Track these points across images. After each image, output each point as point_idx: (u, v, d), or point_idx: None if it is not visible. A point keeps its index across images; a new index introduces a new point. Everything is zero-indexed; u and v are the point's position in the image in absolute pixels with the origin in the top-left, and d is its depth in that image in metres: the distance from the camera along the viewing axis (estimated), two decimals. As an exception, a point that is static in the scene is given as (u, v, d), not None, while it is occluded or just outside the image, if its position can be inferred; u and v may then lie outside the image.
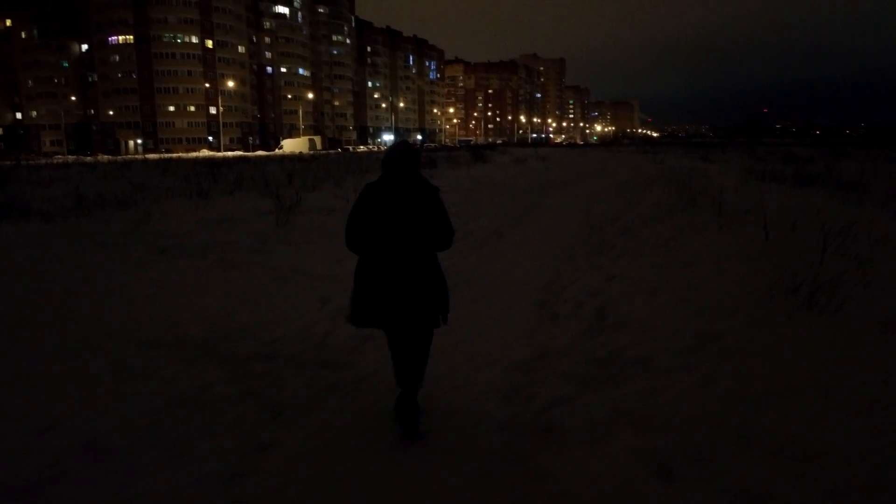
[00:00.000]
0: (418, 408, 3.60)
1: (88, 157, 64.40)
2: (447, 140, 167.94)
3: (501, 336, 5.12)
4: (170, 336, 5.02)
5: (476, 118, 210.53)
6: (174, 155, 63.85)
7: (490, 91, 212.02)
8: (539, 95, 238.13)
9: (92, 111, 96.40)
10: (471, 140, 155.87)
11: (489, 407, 3.87)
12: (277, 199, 11.21)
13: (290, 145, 79.30)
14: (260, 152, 77.27)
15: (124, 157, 63.10)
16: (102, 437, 3.54)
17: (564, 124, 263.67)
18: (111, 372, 4.33)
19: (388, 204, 3.49)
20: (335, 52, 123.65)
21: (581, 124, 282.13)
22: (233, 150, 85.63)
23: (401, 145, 3.69)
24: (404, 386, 3.64)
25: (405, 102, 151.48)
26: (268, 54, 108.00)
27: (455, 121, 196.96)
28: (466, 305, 6.05)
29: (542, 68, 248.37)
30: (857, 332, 4.31)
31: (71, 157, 67.74)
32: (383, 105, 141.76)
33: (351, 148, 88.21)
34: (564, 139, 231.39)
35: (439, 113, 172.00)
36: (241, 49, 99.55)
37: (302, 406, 3.93)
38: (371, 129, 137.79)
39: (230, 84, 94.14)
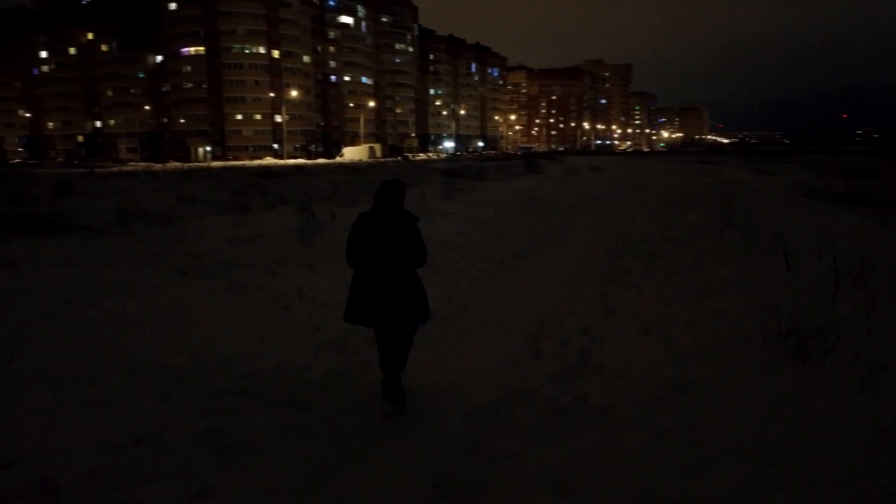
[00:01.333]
0: (402, 388, 4.48)
1: (158, 165, 67.14)
2: (509, 147, 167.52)
3: (476, 375, 5.07)
4: (154, 367, 5.18)
5: (539, 125, 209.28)
6: (237, 163, 65.91)
7: (553, 97, 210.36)
8: (604, 101, 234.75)
9: (164, 120, 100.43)
10: (532, 147, 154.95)
11: (433, 455, 3.83)
12: (304, 218, 11.38)
13: (350, 153, 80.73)
14: (321, 160, 78.90)
15: (191, 164, 65.41)
16: (56, 475, 3.67)
17: (630, 131, 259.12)
18: (86, 404, 4.49)
19: (376, 230, 4.38)
20: (397, 60, 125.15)
21: (647, 131, 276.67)
22: (295, 157, 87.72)
23: (389, 183, 4.53)
24: (388, 372, 4.48)
25: (467, 110, 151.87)
26: (332, 63, 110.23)
27: (517, 127, 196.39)
28: (454, 339, 6.02)
29: (607, 74, 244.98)
30: (834, 388, 4.08)
31: (143, 164, 70.89)
32: (444, 112, 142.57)
33: (410, 156, 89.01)
34: (629, 146, 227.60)
35: (501, 120, 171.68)
36: (305, 59, 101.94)
37: (255, 449, 3.99)
38: (432, 137, 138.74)
39: (294, 93, 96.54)
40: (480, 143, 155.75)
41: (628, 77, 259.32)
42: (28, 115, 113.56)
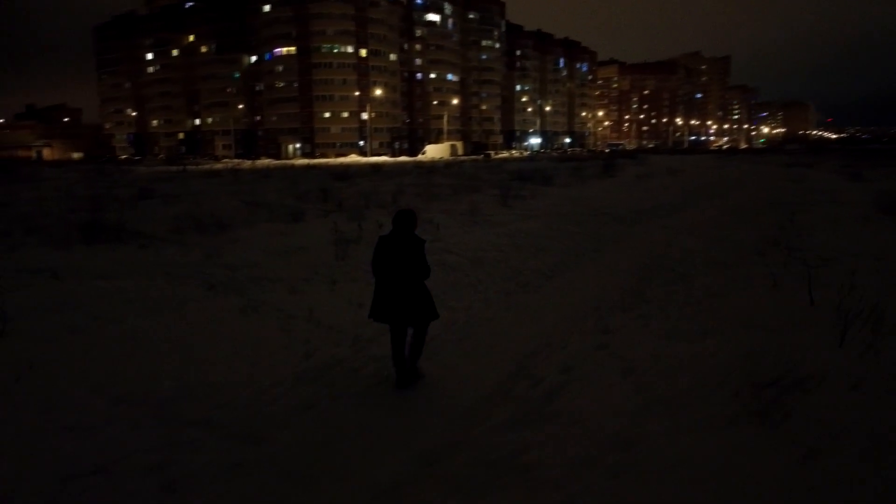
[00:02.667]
0: (417, 372, 5.79)
1: (248, 162, 70.09)
2: (598, 143, 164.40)
3: (430, 416, 5.10)
4: (141, 391, 5.50)
5: (629, 120, 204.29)
6: (321, 161, 67.82)
7: (645, 92, 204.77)
8: (699, 96, 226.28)
9: (258, 118, 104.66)
10: (621, 144, 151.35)
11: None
12: (338, 231, 11.61)
13: (432, 151, 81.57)
14: (403, 158, 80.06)
15: (278, 161, 67.77)
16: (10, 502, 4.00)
17: (727, 126, 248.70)
18: (65, 430, 4.84)
19: (390, 250, 5.60)
20: (484, 57, 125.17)
21: (745, 126, 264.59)
22: (379, 155, 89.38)
23: (402, 213, 5.72)
24: (398, 365, 5.63)
25: (554, 106, 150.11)
26: (418, 61, 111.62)
27: (606, 123, 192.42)
28: (433, 371, 6.07)
29: (703, 67, 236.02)
30: (779, 455, 3.87)
31: (235, 161, 74.14)
32: (530, 109, 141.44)
33: (493, 153, 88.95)
34: (726, 142, 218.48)
35: (589, 116, 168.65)
36: (392, 57, 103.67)
37: (195, 485, 4.19)
38: (518, 133, 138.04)
39: (380, 91, 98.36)
40: (567, 140, 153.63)
41: (727, 70, 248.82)
42: (134, 113, 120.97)
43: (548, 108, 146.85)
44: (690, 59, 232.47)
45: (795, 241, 11.69)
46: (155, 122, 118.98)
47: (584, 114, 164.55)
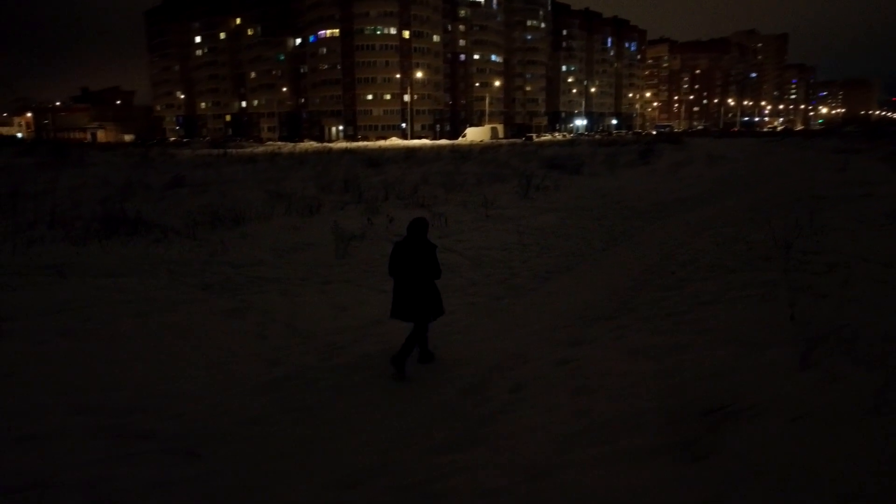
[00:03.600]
0: (429, 352, 6.69)
1: (289, 145, 70.94)
2: (646, 125, 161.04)
3: (370, 436, 5.16)
4: (98, 401, 5.69)
5: (679, 101, 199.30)
6: (360, 144, 68.21)
7: (697, 72, 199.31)
8: (754, 75, 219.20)
9: (302, 100, 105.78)
10: (668, 126, 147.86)
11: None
12: (338, 228, 11.72)
13: (472, 134, 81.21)
14: (443, 141, 79.88)
15: (315, 144, 68.35)
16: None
17: (782, 107, 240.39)
18: (18, 441, 5.04)
19: (405, 255, 6.23)
20: (529, 37, 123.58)
21: (802, 106, 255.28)
22: (421, 137, 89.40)
23: (416, 221, 6.35)
24: (405, 351, 6.25)
25: (600, 86, 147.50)
26: (461, 42, 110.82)
27: (655, 104, 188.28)
28: (391, 388, 6.12)
29: (759, 45, 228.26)
30: (685, 497, 3.81)
31: (278, 144, 75.17)
32: (576, 90, 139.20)
33: (535, 136, 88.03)
34: (781, 124, 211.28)
35: (637, 97, 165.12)
36: (435, 38, 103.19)
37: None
38: (563, 115, 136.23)
39: (423, 73, 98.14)
40: (614, 121, 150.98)
41: (783, 49, 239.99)
42: (183, 96, 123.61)
43: (594, 89, 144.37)
44: (745, 37, 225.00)
45: (808, 243, 11.33)
46: (203, 105, 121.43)
47: (631, 95, 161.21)
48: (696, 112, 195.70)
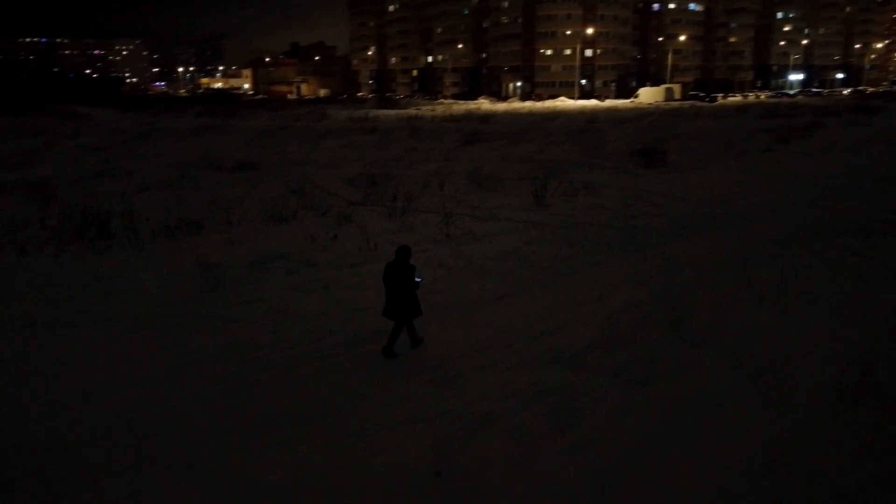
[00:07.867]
0: (418, 338, 8.28)
1: (461, 103, 70.92)
2: (884, 82, 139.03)
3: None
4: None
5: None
6: (519, 105, 66.47)
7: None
8: None
9: (483, 56, 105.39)
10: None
11: None
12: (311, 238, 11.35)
13: (645, 94, 75.97)
14: (609, 101, 75.24)
15: (485, 102, 67.58)
16: None
17: None
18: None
19: (392, 272, 7.80)
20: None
21: None
22: (598, 96, 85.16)
23: (400, 249, 7.90)
24: (391, 341, 7.97)
25: (826, 35, 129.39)
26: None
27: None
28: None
29: None
30: None
31: (450, 101, 75.68)
32: (792, 40, 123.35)
33: (720, 96, 79.78)
34: None
35: (873, 46, 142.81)
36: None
37: None
38: (775, 69, 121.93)
39: (607, 26, 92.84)
40: (840, 75, 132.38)
41: None
42: (374, 52, 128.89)
43: (815, 39, 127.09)
44: None
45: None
46: (393, 60, 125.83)
47: (864, 44, 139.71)
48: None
